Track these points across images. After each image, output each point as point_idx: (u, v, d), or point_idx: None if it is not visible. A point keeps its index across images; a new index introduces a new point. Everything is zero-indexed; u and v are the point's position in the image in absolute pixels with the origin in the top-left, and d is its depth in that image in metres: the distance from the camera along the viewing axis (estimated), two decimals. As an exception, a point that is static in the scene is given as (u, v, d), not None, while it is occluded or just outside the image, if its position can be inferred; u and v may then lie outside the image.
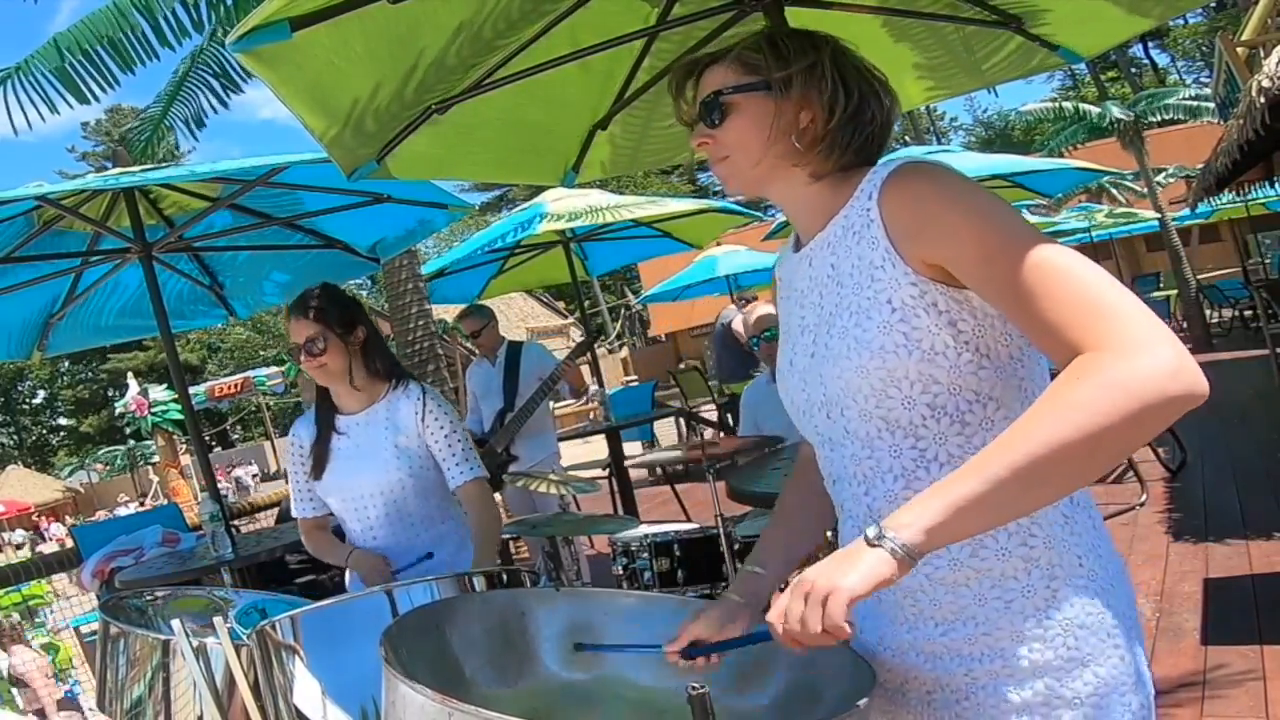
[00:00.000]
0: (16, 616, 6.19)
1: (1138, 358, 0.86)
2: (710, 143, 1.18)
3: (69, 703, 5.80)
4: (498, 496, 5.59)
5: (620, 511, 5.63)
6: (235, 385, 25.60)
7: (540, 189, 6.02)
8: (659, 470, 7.58)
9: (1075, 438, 0.86)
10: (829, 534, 1.45)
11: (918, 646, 1.13)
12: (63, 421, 54.97)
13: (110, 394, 44.90)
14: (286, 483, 2.60)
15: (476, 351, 5.06)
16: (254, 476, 32.03)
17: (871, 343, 1.07)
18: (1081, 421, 0.85)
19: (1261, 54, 5.83)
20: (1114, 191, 20.33)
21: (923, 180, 1.06)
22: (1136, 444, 0.90)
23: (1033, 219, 12.91)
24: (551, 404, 5.04)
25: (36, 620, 6.32)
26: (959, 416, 1.07)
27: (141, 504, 27.96)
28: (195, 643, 1.87)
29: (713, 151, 1.18)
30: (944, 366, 1.05)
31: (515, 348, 4.89)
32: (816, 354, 1.15)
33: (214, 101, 6.65)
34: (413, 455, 2.33)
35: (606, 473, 6.43)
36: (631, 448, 7.82)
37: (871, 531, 0.92)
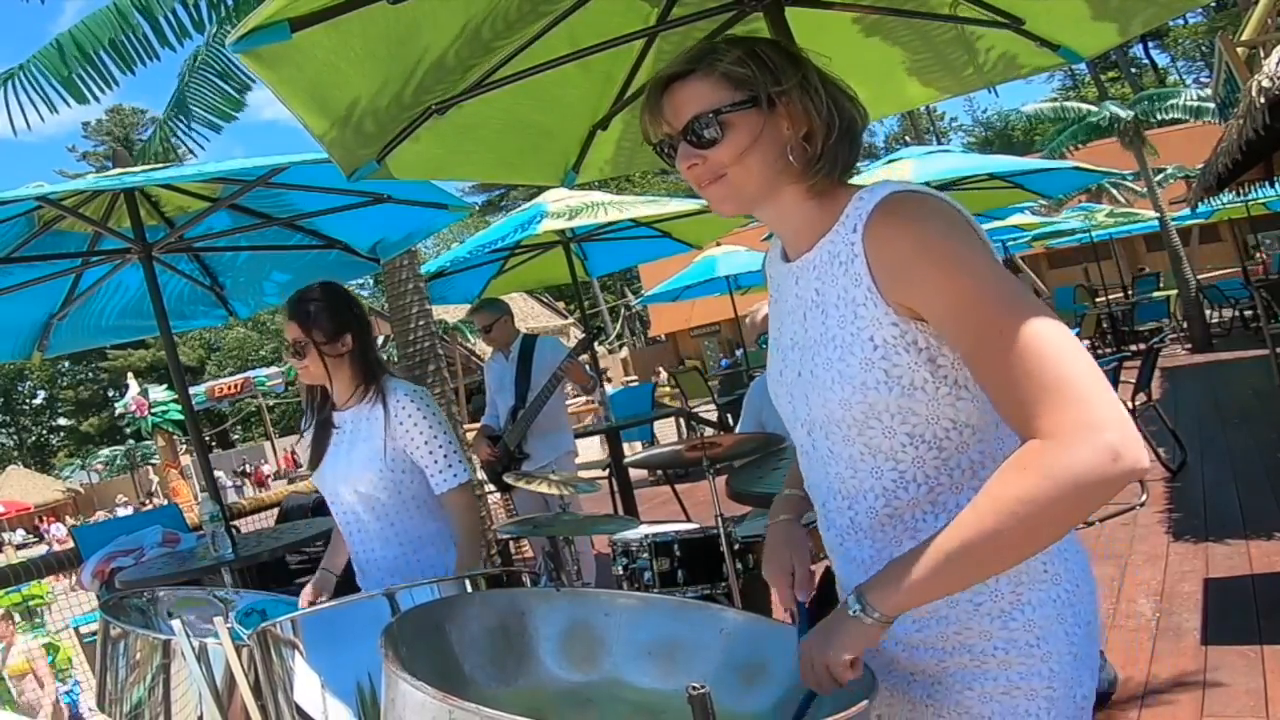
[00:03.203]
0: (16, 617, 6.19)
1: (1080, 448, 0.91)
2: (700, 164, 1.13)
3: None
4: (496, 497, 5.61)
5: (620, 511, 5.63)
6: (235, 385, 25.63)
7: (540, 189, 6.02)
8: (659, 470, 7.57)
9: (1014, 528, 0.94)
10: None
11: (896, 637, 1.20)
12: (63, 422, 54.98)
13: (110, 394, 44.96)
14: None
15: (476, 352, 5.05)
16: (243, 475, 32.08)
17: (854, 378, 1.10)
18: (1022, 514, 0.94)
19: (1261, 54, 5.83)
20: (1114, 191, 20.34)
21: (905, 223, 1.06)
22: (1076, 522, 0.99)
23: (1033, 219, 12.93)
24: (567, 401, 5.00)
25: (36, 620, 6.31)
26: (936, 443, 1.11)
27: (143, 505, 28.00)
28: (195, 643, 1.87)
29: (703, 173, 1.14)
30: (923, 400, 1.09)
31: (529, 342, 4.84)
32: (803, 374, 1.18)
33: (224, 104, 6.65)
34: (386, 460, 2.30)
35: (606, 473, 6.43)
36: (631, 448, 7.81)
37: (853, 606, 1.05)
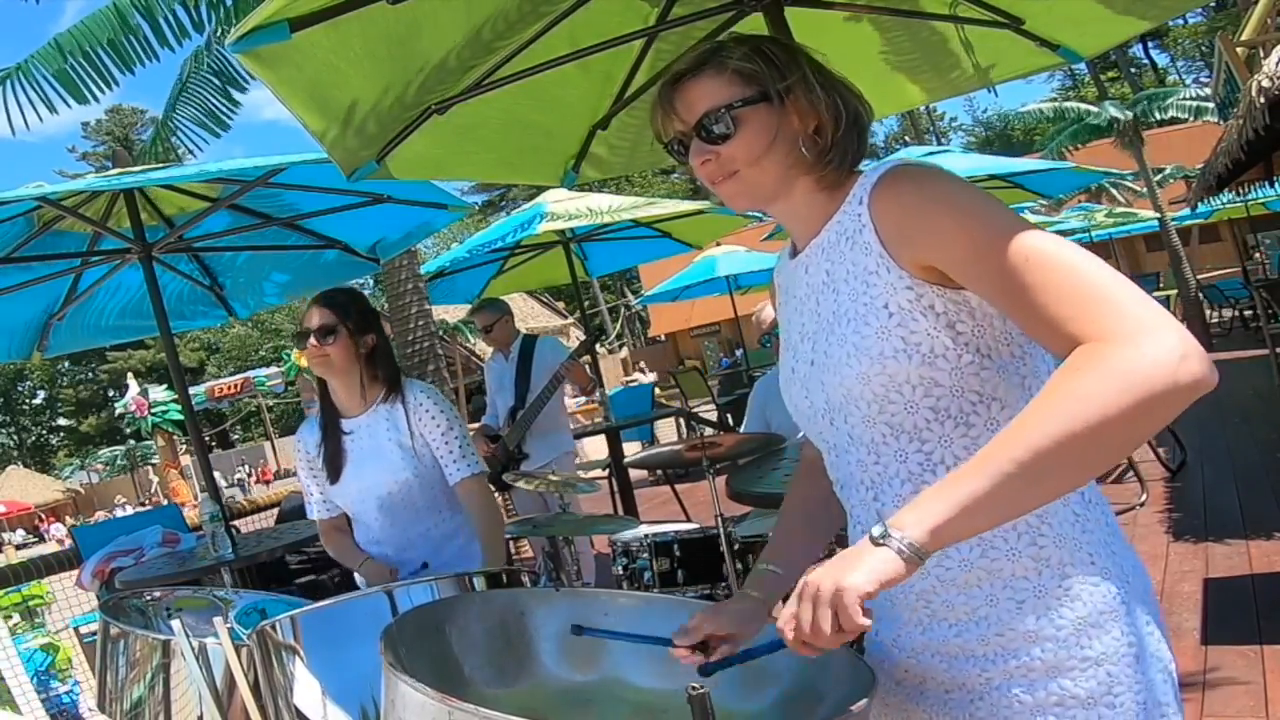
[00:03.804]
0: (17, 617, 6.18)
1: (1141, 345, 0.83)
2: (713, 160, 1.13)
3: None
4: (496, 497, 5.61)
5: (620, 511, 5.63)
6: (235, 385, 25.66)
7: (540, 189, 6.02)
8: (659, 470, 7.57)
9: (1079, 429, 0.83)
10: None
11: (933, 647, 1.13)
12: (63, 422, 54.99)
13: (110, 394, 45.00)
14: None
15: (476, 352, 5.05)
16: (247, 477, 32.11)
17: (871, 349, 1.06)
18: (1086, 413, 0.83)
19: (1261, 54, 5.83)
20: (1114, 191, 20.36)
21: (909, 183, 1.05)
22: (1143, 435, 0.88)
23: (1033, 219, 12.95)
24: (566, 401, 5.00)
25: (36, 620, 6.30)
26: (963, 419, 1.07)
27: (143, 504, 28.00)
28: (195, 643, 1.87)
29: (715, 170, 1.14)
30: (945, 369, 1.05)
31: (529, 342, 4.85)
32: (817, 361, 1.15)
33: (223, 104, 6.66)
34: (416, 453, 2.37)
35: (606, 473, 6.43)
36: (631, 448, 7.81)
37: (876, 531, 0.90)
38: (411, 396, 2.39)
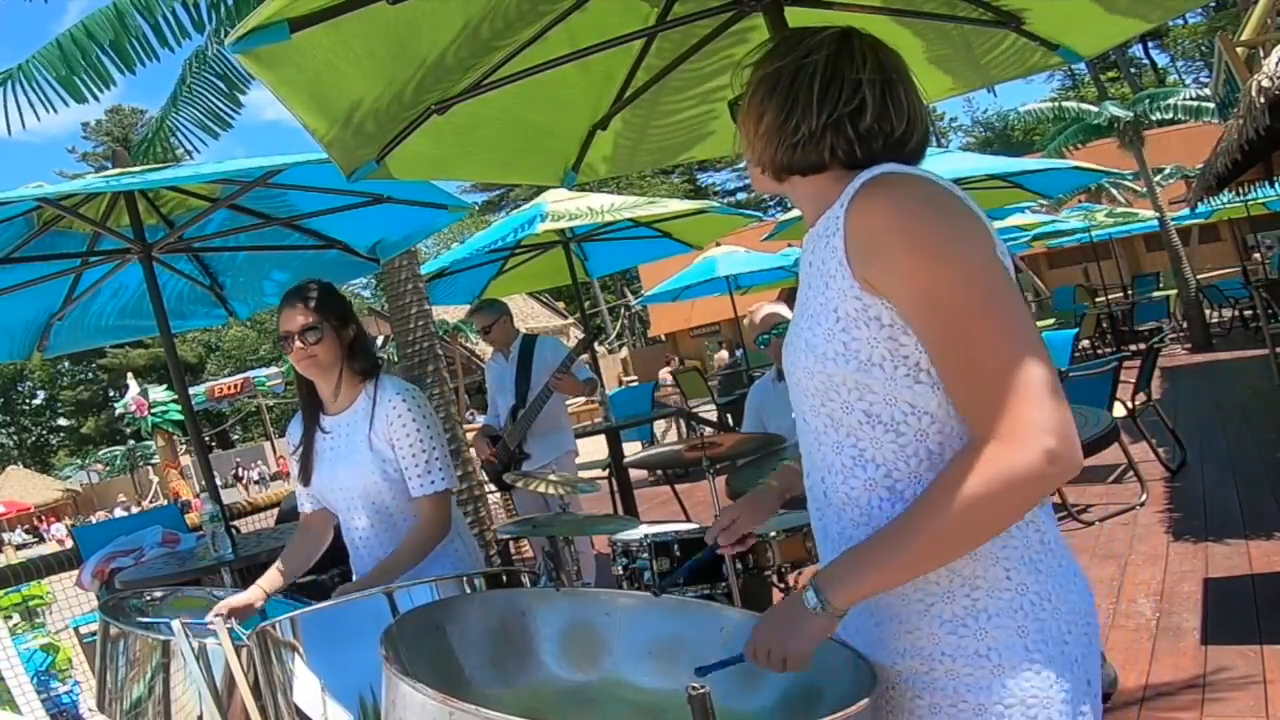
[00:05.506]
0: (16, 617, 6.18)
1: (1020, 451, 0.97)
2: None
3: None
4: (496, 497, 5.61)
5: (620, 511, 5.63)
6: (235, 385, 25.62)
7: (540, 189, 6.02)
8: (659, 470, 7.58)
9: (956, 526, 1.00)
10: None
11: (864, 632, 1.20)
12: (63, 422, 54.99)
13: (110, 394, 44.97)
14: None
15: (476, 352, 5.03)
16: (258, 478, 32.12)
17: (817, 347, 1.12)
18: (962, 511, 0.99)
19: (1261, 54, 5.83)
20: (1114, 191, 20.34)
21: (884, 204, 1.07)
22: (1015, 518, 1.05)
23: (1033, 219, 12.94)
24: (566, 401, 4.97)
25: (36, 621, 6.30)
26: (894, 426, 1.10)
27: (140, 506, 27.98)
28: (195, 643, 1.87)
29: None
30: (879, 378, 1.09)
31: (529, 342, 4.85)
32: (792, 345, 1.21)
33: (224, 105, 6.67)
34: (386, 457, 2.26)
35: (606, 473, 6.43)
36: (631, 449, 7.82)
37: (810, 600, 1.09)
38: (383, 398, 2.26)
